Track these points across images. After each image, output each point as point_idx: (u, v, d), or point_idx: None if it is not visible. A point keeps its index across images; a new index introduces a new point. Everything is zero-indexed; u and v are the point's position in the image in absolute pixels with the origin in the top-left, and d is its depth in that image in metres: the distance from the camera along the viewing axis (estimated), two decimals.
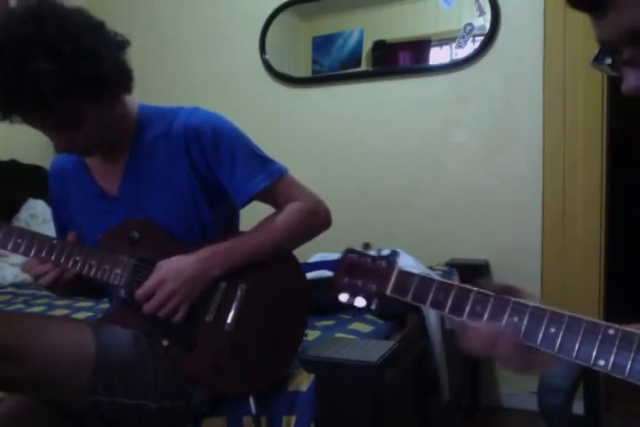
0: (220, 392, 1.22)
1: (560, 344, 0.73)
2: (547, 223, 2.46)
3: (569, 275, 2.42)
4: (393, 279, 0.87)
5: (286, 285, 1.28)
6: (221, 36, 3.07)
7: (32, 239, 1.24)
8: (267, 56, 2.94)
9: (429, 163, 2.66)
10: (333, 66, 2.87)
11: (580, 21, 2.32)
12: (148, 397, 1.14)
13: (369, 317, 1.71)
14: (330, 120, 2.84)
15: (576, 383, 1.12)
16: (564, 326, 0.73)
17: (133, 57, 1.21)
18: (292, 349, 1.25)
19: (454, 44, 2.62)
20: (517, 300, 0.77)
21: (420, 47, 2.77)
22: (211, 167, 1.26)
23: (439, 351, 1.87)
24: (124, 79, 1.21)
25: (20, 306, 2.03)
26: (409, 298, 0.85)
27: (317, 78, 2.90)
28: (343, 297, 0.92)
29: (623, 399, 2.25)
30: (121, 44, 1.18)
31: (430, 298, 0.83)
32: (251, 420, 1.19)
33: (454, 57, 2.63)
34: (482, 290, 0.80)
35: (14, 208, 2.76)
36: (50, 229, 1.47)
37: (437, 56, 2.72)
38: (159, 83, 3.04)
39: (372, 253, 0.93)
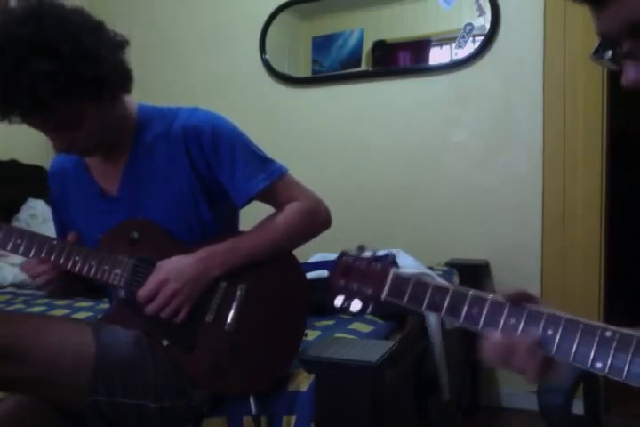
0: (220, 392, 1.22)
1: (557, 347, 0.73)
2: (547, 223, 2.46)
3: (569, 275, 2.42)
4: (388, 283, 0.87)
5: (286, 285, 1.28)
6: (221, 36, 3.06)
7: (32, 240, 1.24)
8: (267, 56, 2.94)
9: (429, 163, 2.66)
10: (333, 66, 2.87)
11: (580, 21, 2.33)
12: (148, 397, 1.14)
13: (369, 317, 1.71)
14: (330, 120, 2.84)
15: (576, 383, 1.12)
16: (560, 329, 0.73)
17: (133, 57, 1.21)
18: (292, 349, 1.25)
19: (454, 44, 2.62)
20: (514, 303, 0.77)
21: (419, 47, 2.77)
22: (210, 167, 1.26)
23: (439, 351, 1.87)
24: (123, 79, 1.21)
25: (20, 306, 2.03)
26: (405, 301, 0.85)
27: (317, 78, 2.90)
28: (339, 301, 0.92)
29: (622, 400, 2.26)
30: (120, 44, 1.18)
31: (426, 301, 0.83)
32: (251, 420, 1.19)
33: (454, 57, 2.62)
34: (478, 292, 0.80)
35: (14, 208, 2.76)
36: (50, 229, 1.47)
37: (437, 56, 2.72)
38: (159, 83, 3.04)
39: (368, 253, 0.92)
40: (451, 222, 2.61)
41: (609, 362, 0.69)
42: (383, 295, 0.87)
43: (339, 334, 1.53)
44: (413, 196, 2.68)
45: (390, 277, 0.87)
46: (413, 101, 2.68)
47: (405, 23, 2.78)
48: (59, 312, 1.89)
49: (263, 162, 1.29)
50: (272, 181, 1.27)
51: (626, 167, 3.34)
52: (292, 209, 1.29)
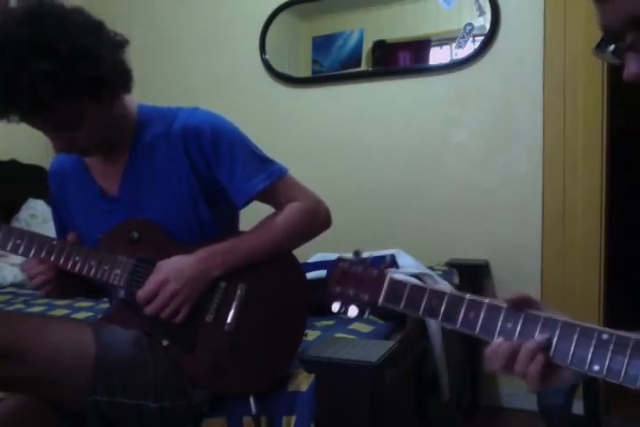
0: (220, 392, 1.22)
1: (555, 350, 0.73)
2: (547, 223, 2.45)
3: (569, 275, 2.42)
4: (385, 289, 0.87)
5: (286, 285, 1.28)
6: (221, 36, 3.06)
7: (31, 240, 1.24)
8: (267, 56, 2.94)
9: (429, 163, 2.66)
10: (333, 66, 2.87)
11: (581, 21, 2.33)
12: (148, 397, 1.14)
13: (369, 317, 1.71)
14: (330, 120, 2.84)
15: (576, 384, 1.12)
16: (557, 332, 0.73)
17: (133, 57, 1.21)
18: (292, 349, 1.25)
19: (454, 44, 2.61)
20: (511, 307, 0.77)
21: (420, 47, 2.77)
22: (210, 167, 1.26)
23: (439, 352, 1.87)
24: (123, 79, 1.20)
25: (20, 306, 2.03)
26: (401, 307, 0.84)
27: (317, 78, 2.90)
28: (335, 307, 0.92)
29: (622, 401, 2.26)
30: (120, 44, 1.18)
31: (423, 306, 0.82)
32: (251, 420, 1.19)
33: (454, 57, 2.62)
34: (474, 297, 0.79)
35: (14, 208, 2.76)
36: (50, 229, 1.47)
37: (437, 56, 2.72)
38: (159, 83, 3.04)
39: (365, 258, 0.92)
40: (451, 222, 2.61)
41: (606, 365, 0.69)
42: (380, 301, 0.87)
43: (339, 334, 1.53)
44: (413, 196, 2.68)
45: (386, 282, 0.87)
46: (413, 101, 2.68)
47: (405, 23, 2.78)
48: (59, 312, 1.89)
49: (263, 162, 1.29)
50: (272, 182, 1.27)
51: (626, 167, 3.34)
52: (292, 209, 1.29)
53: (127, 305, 1.22)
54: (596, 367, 0.69)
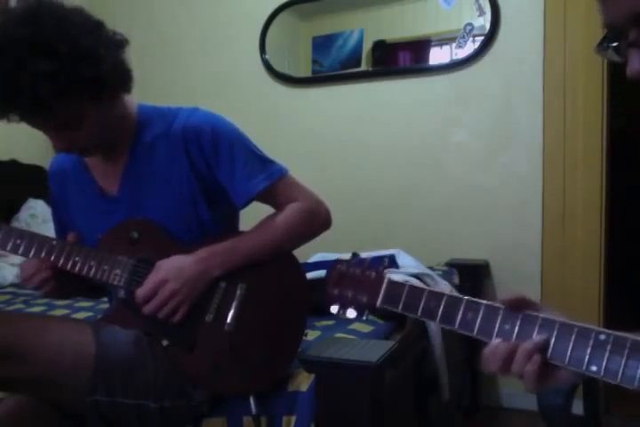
0: (220, 392, 1.22)
1: (552, 350, 0.73)
2: (547, 223, 2.45)
3: (569, 275, 2.42)
4: (383, 291, 0.87)
5: (286, 285, 1.28)
6: (221, 36, 3.06)
7: (31, 240, 1.24)
8: (267, 56, 2.94)
9: (429, 163, 2.66)
10: (333, 66, 2.87)
11: (581, 21, 2.33)
12: (148, 397, 1.14)
13: (369, 317, 1.70)
14: (330, 120, 2.84)
15: (576, 384, 1.12)
16: (555, 333, 0.73)
17: (133, 57, 1.21)
18: (292, 349, 1.25)
19: (454, 44, 2.61)
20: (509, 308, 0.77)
21: (420, 47, 2.77)
22: (210, 167, 1.26)
23: (439, 352, 1.87)
24: (123, 79, 1.20)
25: (20, 306, 2.03)
26: (400, 308, 0.85)
27: (317, 78, 2.90)
28: (334, 309, 0.92)
29: (621, 402, 2.25)
30: (120, 44, 1.18)
31: (421, 308, 0.82)
32: (251, 420, 1.19)
33: (454, 57, 2.62)
34: (472, 298, 0.79)
35: (14, 208, 2.76)
36: (50, 229, 1.47)
37: (437, 56, 2.72)
38: (159, 83, 3.04)
39: (365, 255, 0.92)
40: (451, 222, 2.61)
41: (603, 365, 0.69)
42: (378, 303, 0.87)
43: (339, 334, 1.53)
44: (413, 196, 2.68)
45: (385, 284, 0.87)
46: (413, 101, 2.68)
47: (405, 23, 2.78)
48: (59, 312, 1.89)
49: (263, 162, 1.29)
50: (272, 182, 1.27)
51: (626, 167, 3.34)
52: (292, 209, 1.29)
53: (127, 305, 1.22)
54: (594, 368, 0.70)
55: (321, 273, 1.71)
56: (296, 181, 1.33)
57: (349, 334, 1.56)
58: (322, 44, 2.90)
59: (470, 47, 2.57)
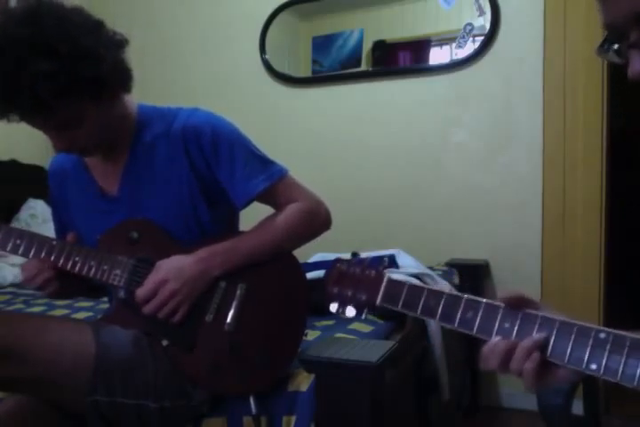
0: (220, 392, 1.22)
1: (552, 349, 0.73)
2: (547, 223, 2.45)
3: (569, 275, 2.42)
4: (382, 289, 0.87)
5: (286, 285, 1.28)
6: (221, 36, 3.06)
7: (31, 240, 1.24)
8: (267, 56, 2.94)
9: (429, 163, 2.66)
10: (333, 66, 2.87)
11: (581, 21, 2.33)
12: (148, 397, 1.14)
13: (369, 317, 1.71)
14: (330, 120, 2.84)
15: (576, 384, 1.12)
16: (555, 331, 0.73)
17: (133, 57, 1.21)
18: (292, 349, 1.25)
19: (454, 44, 2.61)
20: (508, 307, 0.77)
21: (420, 47, 2.77)
22: (210, 167, 1.26)
23: (439, 352, 1.87)
24: (123, 79, 1.20)
25: (20, 306, 2.03)
26: (399, 307, 0.85)
27: (317, 78, 2.90)
28: (333, 307, 0.92)
29: (621, 401, 2.25)
30: (120, 44, 1.18)
31: (421, 306, 0.82)
32: (251, 420, 1.19)
33: (454, 57, 2.62)
34: (472, 297, 0.80)
35: (14, 208, 2.76)
36: (50, 229, 1.47)
37: (437, 56, 2.72)
38: (159, 83, 3.04)
39: (363, 259, 0.92)
40: (451, 222, 2.61)
41: (603, 364, 0.69)
42: (378, 301, 0.87)
43: (339, 334, 1.53)
44: (413, 196, 2.68)
45: (384, 283, 0.87)
46: (413, 101, 2.68)
47: (405, 23, 2.78)
48: (59, 312, 1.89)
49: (263, 163, 1.29)
50: (272, 183, 1.27)
51: (626, 167, 3.34)
52: (292, 209, 1.29)
53: (127, 305, 1.22)
54: (594, 366, 0.70)
55: (321, 273, 1.71)
56: (296, 182, 1.33)
57: (349, 334, 1.56)
58: (322, 44, 2.90)
59: (470, 47, 2.57)
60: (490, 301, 0.79)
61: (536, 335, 0.74)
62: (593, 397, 1.33)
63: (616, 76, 2.33)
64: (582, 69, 2.37)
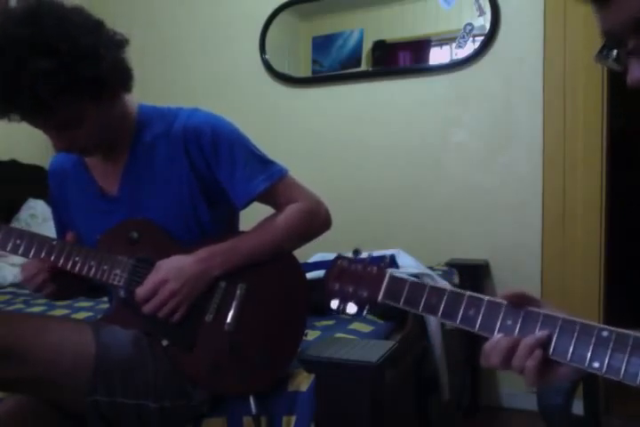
0: (220, 392, 1.22)
1: (554, 347, 0.73)
2: (547, 223, 2.45)
3: (569, 275, 2.42)
4: (384, 285, 0.87)
5: (286, 285, 1.28)
6: (221, 36, 3.06)
7: (31, 240, 1.24)
8: (267, 56, 2.94)
9: (429, 163, 2.66)
10: (333, 66, 2.87)
11: (581, 21, 2.33)
12: (148, 397, 1.14)
13: (369, 317, 1.71)
14: (330, 120, 2.84)
15: (576, 384, 1.12)
16: (557, 329, 0.73)
17: (133, 57, 1.21)
18: (292, 349, 1.25)
19: (454, 44, 2.62)
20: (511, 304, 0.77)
21: (420, 47, 2.77)
22: (210, 168, 1.26)
23: (439, 352, 1.87)
24: (123, 78, 1.20)
25: (20, 306, 2.03)
26: (401, 303, 0.85)
27: (317, 78, 2.90)
28: (334, 304, 0.92)
29: (622, 401, 2.26)
30: (120, 43, 1.18)
31: (423, 303, 0.82)
32: (251, 420, 1.19)
33: (454, 57, 2.62)
34: (474, 294, 0.80)
35: (14, 208, 2.76)
36: (50, 229, 1.47)
37: (437, 56, 2.72)
38: (159, 83, 3.04)
39: (364, 256, 0.92)
40: (451, 222, 2.61)
41: (606, 362, 0.69)
42: (379, 298, 0.87)
43: (339, 334, 1.53)
44: (413, 196, 2.68)
45: (386, 279, 0.87)
46: (413, 101, 2.68)
47: (405, 23, 2.78)
48: (59, 312, 1.89)
49: (263, 163, 1.29)
50: (272, 183, 1.27)
51: (626, 167, 3.34)
52: (292, 209, 1.29)
53: (127, 305, 1.22)
54: (596, 364, 0.70)
55: (321, 273, 1.70)
56: (296, 182, 1.33)
57: (349, 334, 1.56)
58: (322, 44, 2.90)
59: (470, 47, 2.57)
60: (492, 298, 0.79)
61: (539, 333, 0.74)
62: (593, 396, 1.33)
63: (616, 76, 2.33)
64: (582, 69, 2.37)
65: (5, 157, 2.86)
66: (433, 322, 1.86)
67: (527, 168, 2.48)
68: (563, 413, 1.10)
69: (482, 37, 2.54)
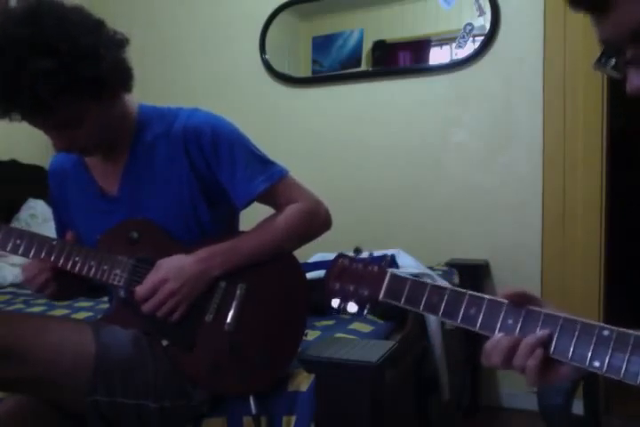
0: (220, 392, 1.22)
1: (555, 346, 0.73)
2: (547, 223, 2.46)
3: (569, 275, 2.42)
4: (385, 284, 0.87)
5: (286, 285, 1.28)
6: (221, 36, 3.07)
7: (31, 240, 1.24)
8: (267, 56, 2.94)
9: (429, 163, 2.66)
10: (333, 66, 2.87)
11: (580, 21, 2.32)
12: (148, 397, 1.14)
13: (369, 317, 1.71)
14: (330, 120, 2.84)
15: (576, 384, 1.12)
16: (558, 328, 0.73)
17: (133, 57, 1.21)
18: (292, 349, 1.25)
19: (454, 44, 2.62)
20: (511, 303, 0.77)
21: (420, 47, 2.77)
22: (211, 168, 1.26)
23: (439, 352, 1.87)
24: (123, 78, 1.20)
25: (20, 306, 2.03)
26: (402, 302, 0.85)
27: (317, 78, 2.90)
28: (335, 303, 0.92)
29: (622, 401, 2.26)
30: (120, 43, 1.18)
31: (424, 302, 0.82)
32: (251, 420, 1.19)
33: (454, 57, 2.62)
34: (475, 293, 0.80)
35: (14, 208, 2.76)
36: (50, 229, 1.47)
37: (437, 56, 2.72)
38: (159, 83, 3.04)
39: (365, 254, 0.92)
40: (451, 222, 2.61)
41: (607, 361, 0.69)
42: (380, 296, 0.87)
43: (339, 334, 1.53)
44: (413, 196, 2.68)
45: (387, 278, 0.87)
46: (413, 101, 2.68)
47: (405, 23, 2.78)
48: (59, 312, 1.89)
49: (263, 163, 1.29)
50: (272, 183, 1.27)
51: (626, 167, 3.33)
52: (292, 210, 1.29)
53: (127, 305, 1.22)
54: (597, 363, 0.70)
55: (321, 273, 1.70)
56: (296, 182, 1.33)
57: (349, 334, 1.56)
58: (322, 44, 2.90)
59: (470, 47, 2.57)
60: (493, 297, 0.79)
61: (540, 332, 0.74)
62: (593, 396, 1.33)
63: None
64: (582, 69, 2.37)
65: (5, 157, 2.86)
66: (433, 322, 1.86)
67: (527, 168, 2.48)
68: (563, 413, 1.10)
69: (482, 37, 2.54)
